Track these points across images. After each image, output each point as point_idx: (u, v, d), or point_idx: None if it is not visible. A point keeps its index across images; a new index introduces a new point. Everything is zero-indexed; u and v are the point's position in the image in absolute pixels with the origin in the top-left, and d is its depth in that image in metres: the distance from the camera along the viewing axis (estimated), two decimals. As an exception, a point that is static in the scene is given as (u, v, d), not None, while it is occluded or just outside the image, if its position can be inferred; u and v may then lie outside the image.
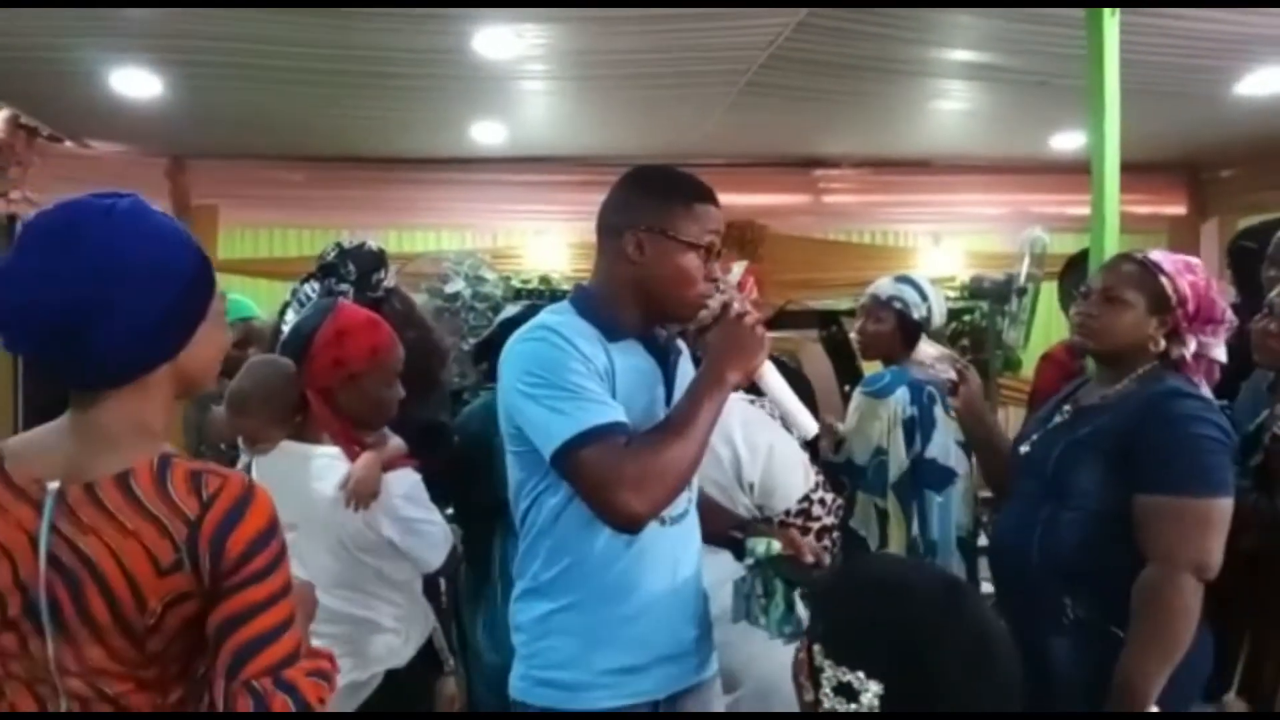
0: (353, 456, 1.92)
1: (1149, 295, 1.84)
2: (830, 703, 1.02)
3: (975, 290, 4.84)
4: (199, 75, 3.98)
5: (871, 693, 0.99)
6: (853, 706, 1.00)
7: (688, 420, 1.50)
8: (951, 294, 5.77)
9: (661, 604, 1.59)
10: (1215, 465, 1.72)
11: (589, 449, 1.44)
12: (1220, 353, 1.86)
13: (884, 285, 2.81)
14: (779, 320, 4.65)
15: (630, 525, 1.48)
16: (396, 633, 1.98)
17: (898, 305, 2.74)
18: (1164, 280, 1.83)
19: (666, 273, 1.57)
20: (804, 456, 2.18)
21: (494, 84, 4.15)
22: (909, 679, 0.99)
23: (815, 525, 2.22)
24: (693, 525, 1.69)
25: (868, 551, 2.56)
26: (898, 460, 2.61)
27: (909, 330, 2.74)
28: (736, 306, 1.59)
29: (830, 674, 1.02)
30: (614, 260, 1.60)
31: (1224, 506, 1.72)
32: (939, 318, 2.79)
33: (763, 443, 2.17)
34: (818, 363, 4.27)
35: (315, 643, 1.89)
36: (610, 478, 1.44)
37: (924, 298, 2.75)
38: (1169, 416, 1.76)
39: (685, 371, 1.71)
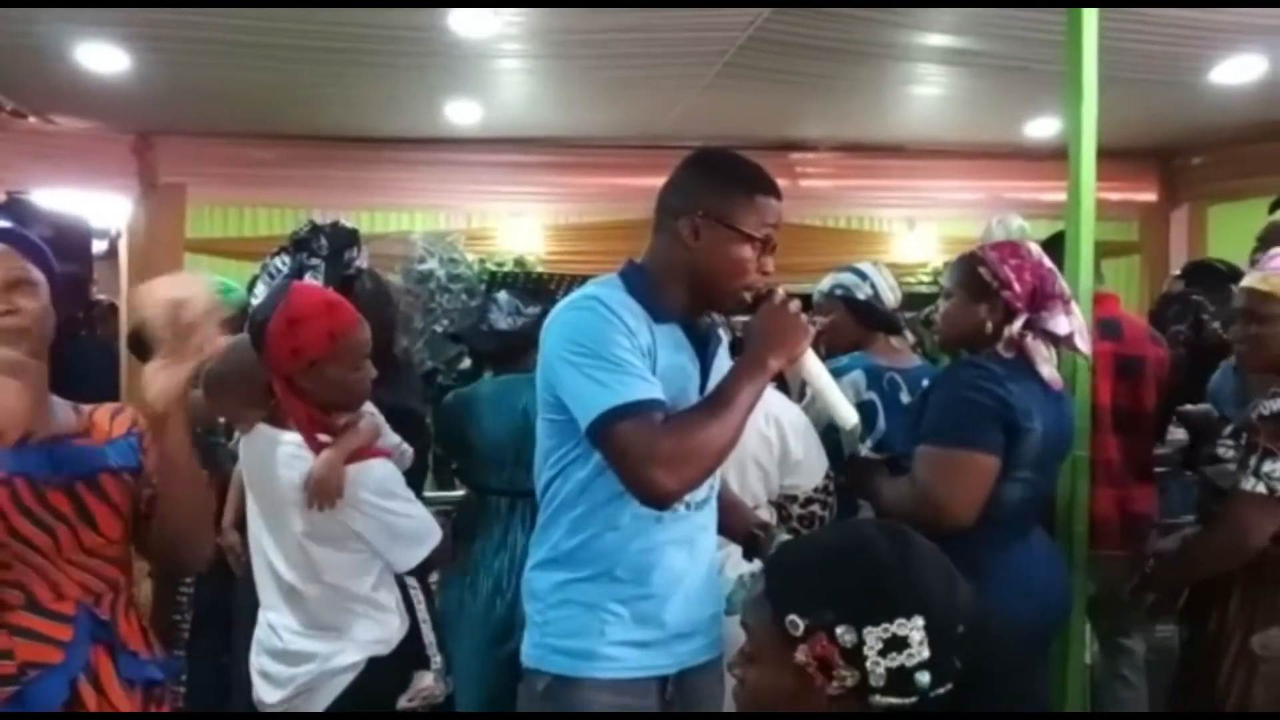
0: (315, 446, 1.86)
1: (968, 286, 2.05)
2: (882, 666, 1.04)
3: (949, 275, 4.86)
4: (167, 50, 3.90)
5: (918, 627, 1.04)
6: (906, 653, 1.04)
7: (726, 402, 1.51)
8: (925, 279, 5.85)
9: (677, 584, 1.62)
10: (973, 423, 1.94)
11: (626, 422, 1.45)
12: (1057, 325, 2.01)
13: (823, 283, 2.85)
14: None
15: (660, 502, 1.49)
16: (373, 623, 1.94)
17: (839, 292, 2.76)
18: (982, 270, 2.03)
19: (719, 261, 1.58)
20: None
21: (469, 63, 4.11)
22: (939, 599, 1.06)
23: (826, 511, 2.30)
24: (712, 512, 1.70)
25: None
26: (851, 442, 2.62)
27: (861, 313, 2.74)
28: (780, 292, 1.60)
29: (872, 641, 1.04)
30: (669, 242, 1.61)
31: (975, 459, 1.93)
32: (889, 293, 2.77)
33: (800, 420, 2.32)
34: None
35: (283, 634, 1.89)
36: (645, 453, 1.44)
37: (863, 277, 2.76)
38: (946, 381, 2.04)
39: (722, 363, 1.70)
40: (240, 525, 2.48)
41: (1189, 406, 3.00)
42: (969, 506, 1.92)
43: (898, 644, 1.04)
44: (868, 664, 1.04)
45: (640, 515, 1.56)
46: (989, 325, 2.01)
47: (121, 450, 1.52)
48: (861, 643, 1.04)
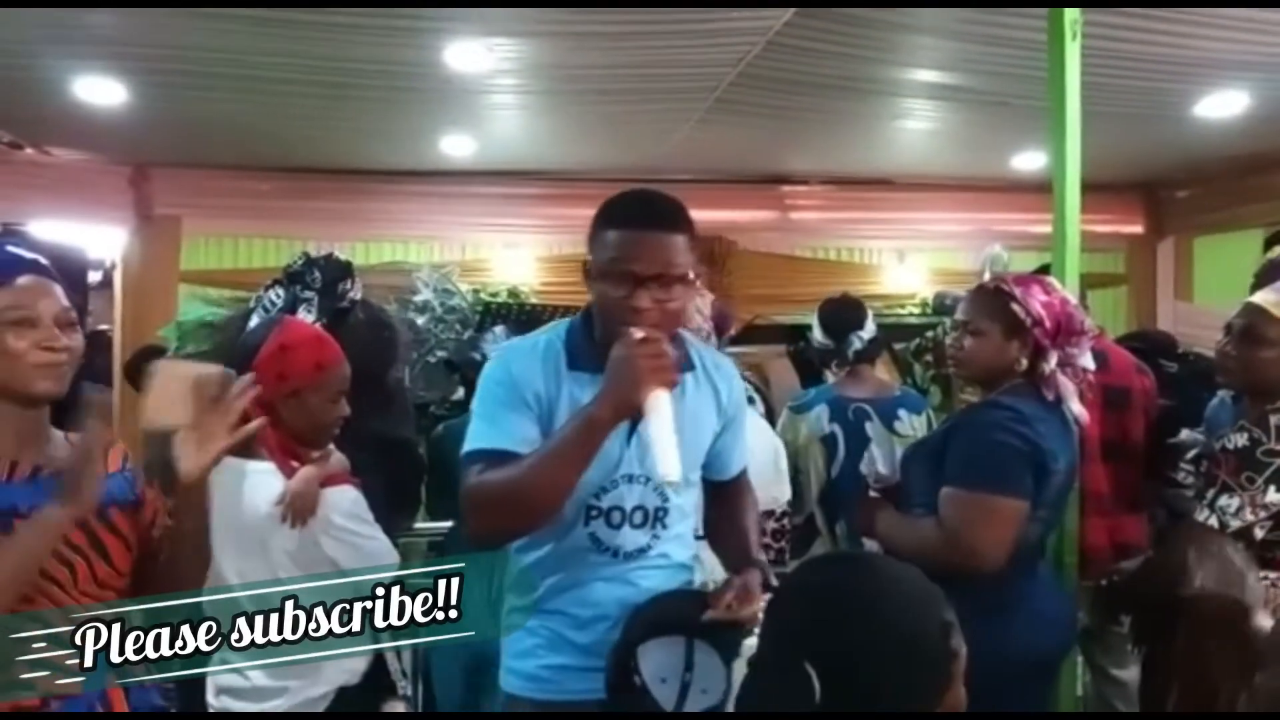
0: (289, 471, 1.89)
1: (1002, 322, 2.02)
2: None
3: (938, 306, 4.90)
4: (164, 83, 3.94)
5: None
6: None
7: (540, 453, 1.52)
8: (915, 310, 5.89)
9: (604, 618, 1.66)
10: (1005, 467, 1.91)
11: (467, 470, 1.58)
12: (1087, 360, 2.02)
13: None
14: (746, 335, 4.68)
15: (478, 545, 1.61)
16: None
17: None
18: (1015, 306, 2.00)
19: (597, 301, 1.59)
20: None
21: (464, 97, 4.15)
22: (785, 632, 1.08)
23: (783, 541, 2.32)
24: (654, 562, 1.72)
25: None
26: (816, 476, 2.67)
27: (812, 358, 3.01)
28: (634, 334, 1.43)
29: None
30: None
31: (1008, 504, 1.91)
32: (817, 331, 2.98)
33: (756, 446, 2.28)
34: (784, 377, 4.30)
35: (248, 673, 1.89)
36: (463, 500, 1.58)
37: (807, 328, 3.08)
38: (974, 423, 1.99)
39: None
40: None
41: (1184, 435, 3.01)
42: (998, 550, 1.90)
43: None
44: None
45: (562, 551, 1.66)
46: (1021, 362, 2.01)
47: (119, 485, 1.54)
48: None
